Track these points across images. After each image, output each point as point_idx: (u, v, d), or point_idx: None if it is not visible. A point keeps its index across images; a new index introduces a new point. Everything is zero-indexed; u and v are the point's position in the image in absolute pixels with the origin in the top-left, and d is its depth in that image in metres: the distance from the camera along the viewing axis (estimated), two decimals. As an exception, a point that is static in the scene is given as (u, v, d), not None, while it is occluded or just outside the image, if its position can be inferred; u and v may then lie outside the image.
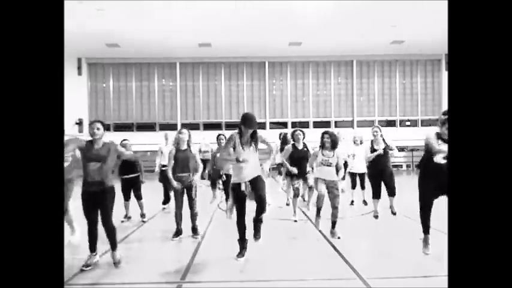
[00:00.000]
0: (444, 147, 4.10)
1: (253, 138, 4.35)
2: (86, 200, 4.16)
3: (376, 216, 6.53)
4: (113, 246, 4.28)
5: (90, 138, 4.22)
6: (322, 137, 5.39)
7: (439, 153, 4.13)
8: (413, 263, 4.17)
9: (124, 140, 6.81)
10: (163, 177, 7.94)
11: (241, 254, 4.38)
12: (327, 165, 5.29)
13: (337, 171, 5.39)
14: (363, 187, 8.10)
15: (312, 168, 5.61)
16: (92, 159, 4.10)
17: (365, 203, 7.89)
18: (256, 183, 4.33)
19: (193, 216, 5.48)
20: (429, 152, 4.29)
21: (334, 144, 5.34)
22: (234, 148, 4.32)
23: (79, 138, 4.72)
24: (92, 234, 4.21)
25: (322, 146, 5.37)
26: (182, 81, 18.38)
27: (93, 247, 4.24)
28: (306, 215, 6.81)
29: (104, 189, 4.11)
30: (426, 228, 4.43)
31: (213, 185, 7.29)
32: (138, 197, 6.83)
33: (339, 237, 5.15)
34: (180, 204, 5.41)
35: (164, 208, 7.85)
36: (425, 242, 4.45)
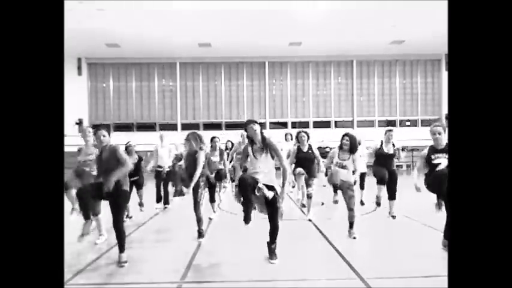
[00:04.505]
0: (440, 159, 4.30)
1: (265, 145, 4.23)
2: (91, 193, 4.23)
3: (378, 203, 6.51)
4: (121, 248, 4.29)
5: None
6: (342, 139, 5.35)
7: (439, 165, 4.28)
8: (413, 263, 4.17)
9: (129, 142, 7.01)
10: (158, 178, 8.01)
11: (246, 218, 4.07)
12: (342, 167, 5.25)
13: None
14: (362, 187, 8.08)
15: (327, 169, 5.58)
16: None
17: (362, 203, 7.88)
18: (270, 203, 4.16)
19: (199, 217, 5.35)
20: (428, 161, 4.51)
21: (352, 148, 5.26)
22: (247, 157, 4.29)
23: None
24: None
25: (340, 148, 5.34)
26: (182, 81, 18.39)
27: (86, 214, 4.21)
28: (305, 214, 6.82)
29: (120, 191, 4.17)
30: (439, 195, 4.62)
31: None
32: (139, 186, 6.98)
33: (354, 237, 5.19)
34: (198, 200, 5.32)
35: (157, 208, 7.85)
36: (439, 204, 4.73)
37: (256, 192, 4.06)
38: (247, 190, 4.04)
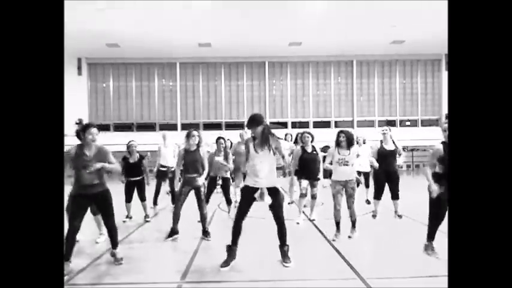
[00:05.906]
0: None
1: (268, 141, 4.16)
2: (78, 204, 4.08)
3: (374, 216, 6.55)
4: (114, 245, 4.35)
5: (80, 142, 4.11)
6: (338, 136, 5.34)
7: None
8: (413, 263, 4.17)
9: (131, 141, 6.88)
10: (160, 177, 7.97)
11: (226, 263, 4.09)
12: (344, 165, 5.25)
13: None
14: (367, 185, 8.12)
15: (328, 169, 5.55)
16: (85, 167, 3.98)
17: (368, 202, 7.90)
18: (274, 200, 4.17)
19: (204, 216, 5.38)
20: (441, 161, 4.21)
21: (349, 143, 5.30)
22: (249, 152, 4.22)
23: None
24: (70, 242, 4.01)
25: (338, 145, 5.34)
26: (182, 81, 18.38)
27: (68, 255, 3.98)
28: (306, 215, 6.81)
29: (105, 190, 4.18)
30: (432, 235, 4.40)
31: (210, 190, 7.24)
32: (142, 199, 6.82)
33: (349, 237, 5.24)
34: (180, 205, 5.33)
35: (151, 208, 7.83)
36: (431, 247, 4.41)
37: (257, 199, 4.15)
38: (242, 219, 4.23)
